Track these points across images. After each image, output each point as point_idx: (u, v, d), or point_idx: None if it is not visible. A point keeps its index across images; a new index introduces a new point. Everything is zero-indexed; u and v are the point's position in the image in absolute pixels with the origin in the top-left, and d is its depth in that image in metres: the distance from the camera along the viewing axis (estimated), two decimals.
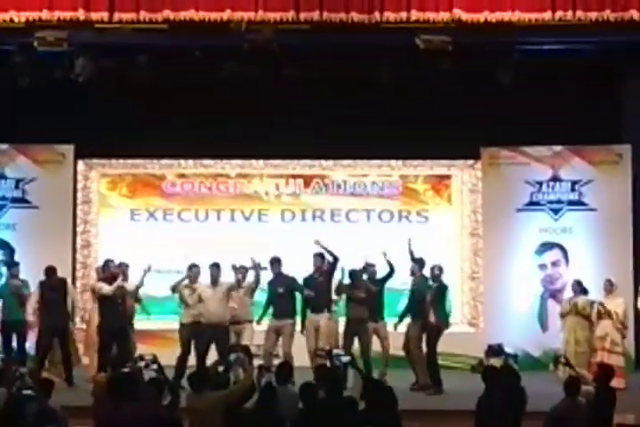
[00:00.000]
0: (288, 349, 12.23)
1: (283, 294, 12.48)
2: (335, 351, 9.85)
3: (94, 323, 12.52)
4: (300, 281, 12.57)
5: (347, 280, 12.58)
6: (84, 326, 13.16)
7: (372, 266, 12.63)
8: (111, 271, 12.42)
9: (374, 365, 12.23)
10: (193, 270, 12.46)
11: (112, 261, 12.63)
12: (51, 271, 12.66)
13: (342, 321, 12.55)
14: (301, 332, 12.45)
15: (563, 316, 12.89)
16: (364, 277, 12.57)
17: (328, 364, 9.31)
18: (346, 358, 9.52)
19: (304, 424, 7.69)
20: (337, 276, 12.72)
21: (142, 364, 8.80)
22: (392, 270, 12.47)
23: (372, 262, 12.65)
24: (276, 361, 11.23)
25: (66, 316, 12.63)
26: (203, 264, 12.51)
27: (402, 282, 12.98)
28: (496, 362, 9.14)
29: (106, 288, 12.15)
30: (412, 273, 12.49)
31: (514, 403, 8.31)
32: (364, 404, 8.01)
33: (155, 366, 8.80)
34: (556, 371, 9.37)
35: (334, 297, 12.61)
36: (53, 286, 12.59)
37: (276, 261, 12.59)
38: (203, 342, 12.05)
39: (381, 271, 12.62)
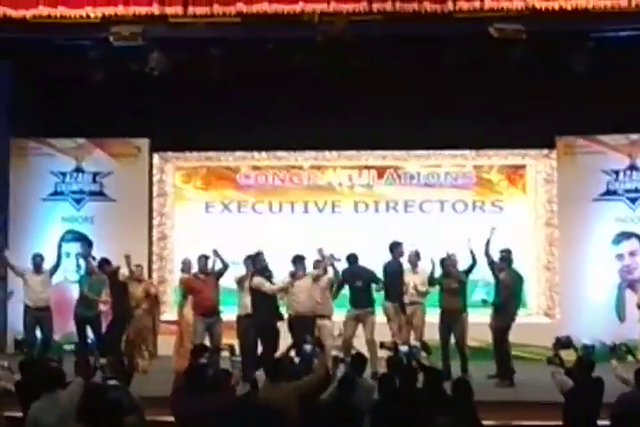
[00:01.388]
0: (371, 336, 12.21)
1: (360, 287, 12.45)
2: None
3: (188, 316, 12.65)
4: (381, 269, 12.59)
5: (437, 271, 12.55)
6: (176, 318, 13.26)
7: (453, 256, 12.57)
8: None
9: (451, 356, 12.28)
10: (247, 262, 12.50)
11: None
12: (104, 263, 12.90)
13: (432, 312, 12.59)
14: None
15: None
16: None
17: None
18: (405, 349, 9.49)
19: (383, 415, 7.68)
20: (426, 268, 12.70)
21: (223, 354, 8.86)
22: (474, 261, 12.42)
23: (452, 253, 12.58)
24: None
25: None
26: (278, 255, 12.58)
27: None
28: (565, 355, 9.04)
29: (267, 286, 12.12)
30: (501, 269, 12.40)
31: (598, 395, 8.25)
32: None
33: (235, 357, 8.87)
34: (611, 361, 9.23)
35: (424, 289, 12.60)
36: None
37: (351, 257, 12.55)
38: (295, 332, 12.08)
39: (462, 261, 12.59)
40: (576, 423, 8.16)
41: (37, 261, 13.02)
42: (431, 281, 12.55)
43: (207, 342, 11.90)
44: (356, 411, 7.60)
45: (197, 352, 9.33)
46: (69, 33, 12.62)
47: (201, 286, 12.57)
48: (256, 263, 12.30)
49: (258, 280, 12.13)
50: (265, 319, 12.05)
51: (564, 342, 9.52)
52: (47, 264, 13.08)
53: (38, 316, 12.85)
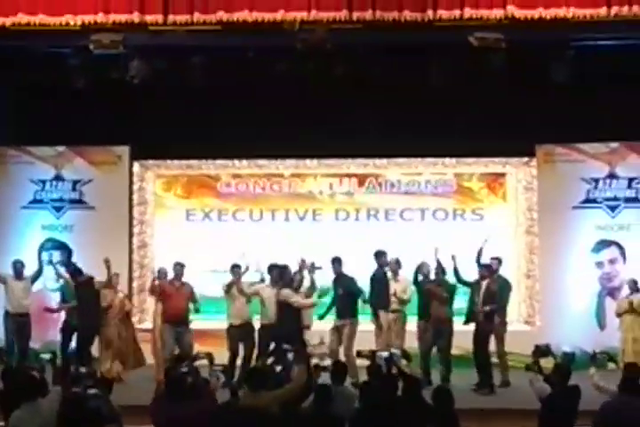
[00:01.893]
0: (348, 351, 12.12)
1: (342, 296, 12.48)
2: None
3: (158, 324, 12.61)
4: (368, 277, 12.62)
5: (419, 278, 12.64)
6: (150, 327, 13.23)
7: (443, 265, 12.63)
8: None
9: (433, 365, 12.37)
10: (235, 271, 12.54)
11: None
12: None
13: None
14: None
15: (619, 315, 12.78)
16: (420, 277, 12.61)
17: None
18: (385, 354, 9.48)
19: (363, 424, 7.66)
20: (407, 276, 12.74)
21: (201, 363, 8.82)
22: (456, 270, 12.56)
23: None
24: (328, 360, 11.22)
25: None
26: (258, 264, 12.61)
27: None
28: (545, 362, 9.07)
29: (295, 299, 12.03)
30: (482, 277, 12.44)
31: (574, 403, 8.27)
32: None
33: (217, 367, 8.84)
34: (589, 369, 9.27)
35: (405, 297, 12.62)
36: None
37: (336, 261, 12.59)
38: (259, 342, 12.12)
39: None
40: None
41: (18, 267, 13.03)
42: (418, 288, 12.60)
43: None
44: (335, 419, 7.60)
45: (176, 361, 9.30)
46: (49, 41, 12.58)
47: (174, 292, 12.54)
48: (283, 276, 12.26)
49: (286, 293, 12.07)
50: (291, 330, 11.88)
51: (543, 350, 9.53)
52: (28, 271, 13.06)
53: (19, 321, 12.82)
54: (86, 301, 12.68)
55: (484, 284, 12.36)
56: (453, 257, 12.52)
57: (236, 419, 7.57)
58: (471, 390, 12.02)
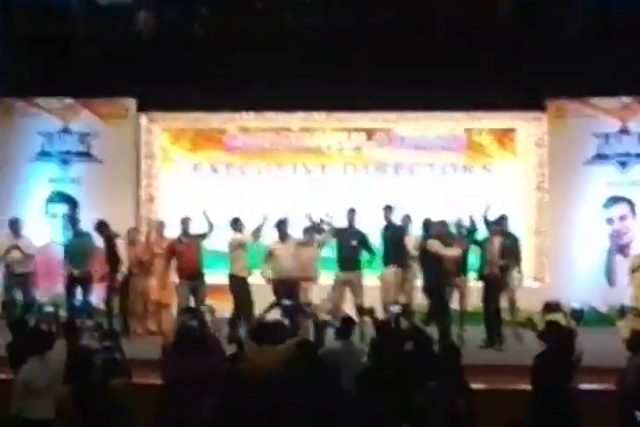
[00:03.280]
0: (360, 300, 12.16)
1: (355, 247, 12.42)
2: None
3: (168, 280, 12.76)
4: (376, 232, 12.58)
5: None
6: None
7: (461, 221, 12.52)
8: None
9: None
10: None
11: None
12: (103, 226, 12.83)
13: None
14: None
15: (633, 271, 12.70)
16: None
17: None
18: (396, 309, 9.47)
19: (372, 380, 7.64)
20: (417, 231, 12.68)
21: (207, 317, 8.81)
22: (474, 226, 12.43)
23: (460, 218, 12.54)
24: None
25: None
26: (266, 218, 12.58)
27: None
28: (555, 318, 9.04)
29: (445, 251, 11.98)
30: (494, 233, 12.40)
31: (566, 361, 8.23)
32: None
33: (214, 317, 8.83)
34: (618, 322, 9.26)
35: (416, 252, 12.51)
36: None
37: (351, 211, 12.54)
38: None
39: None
40: (541, 387, 8.13)
41: (15, 226, 12.97)
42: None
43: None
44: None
45: (182, 314, 9.30)
46: None
47: (184, 249, 12.53)
48: (434, 226, 12.26)
49: (435, 244, 11.97)
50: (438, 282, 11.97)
51: (552, 307, 9.53)
52: (29, 226, 13.10)
53: (19, 278, 12.83)
54: (111, 255, 12.72)
55: (497, 240, 12.27)
56: (487, 209, 12.42)
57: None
58: (479, 346, 12.00)
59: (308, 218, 12.38)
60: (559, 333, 8.40)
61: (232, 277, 12.49)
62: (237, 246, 12.49)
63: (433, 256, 11.89)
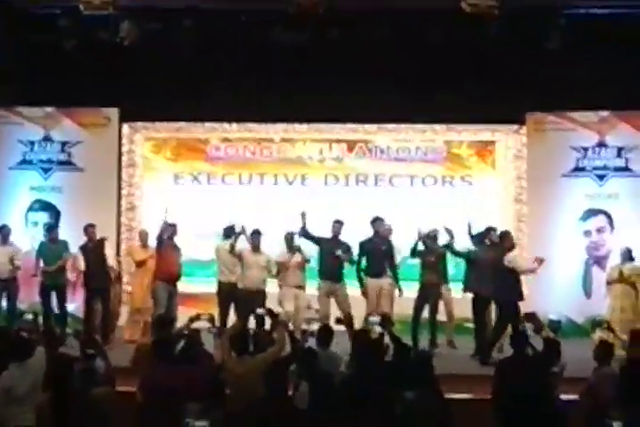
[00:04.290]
0: (349, 308, 12.18)
1: (339, 258, 12.44)
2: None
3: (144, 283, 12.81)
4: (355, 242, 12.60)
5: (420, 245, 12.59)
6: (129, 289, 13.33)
7: (434, 231, 12.66)
8: None
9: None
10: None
11: None
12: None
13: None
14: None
15: (609, 283, 12.82)
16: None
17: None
18: (374, 319, 9.54)
19: (352, 389, 7.71)
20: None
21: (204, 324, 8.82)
22: (452, 237, 12.52)
23: (434, 228, 12.67)
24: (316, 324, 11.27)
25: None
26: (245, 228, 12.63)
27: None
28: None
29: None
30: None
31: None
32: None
33: (213, 328, 8.86)
34: (592, 335, 9.38)
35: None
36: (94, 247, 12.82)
37: (337, 223, 12.60)
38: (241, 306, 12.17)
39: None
40: (498, 395, 8.22)
41: (4, 232, 13.00)
42: (412, 254, 12.56)
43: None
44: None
45: (163, 323, 9.31)
46: (40, 1, 12.49)
47: (170, 252, 12.60)
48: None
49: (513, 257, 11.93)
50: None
51: (529, 318, 9.61)
52: (15, 235, 13.17)
53: (4, 283, 12.85)
54: (94, 262, 12.76)
55: (484, 252, 12.35)
56: (469, 224, 12.51)
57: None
58: (470, 356, 12.09)
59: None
60: (522, 344, 8.53)
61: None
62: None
63: (510, 270, 11.77)
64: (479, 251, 12.33)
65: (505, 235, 12.07)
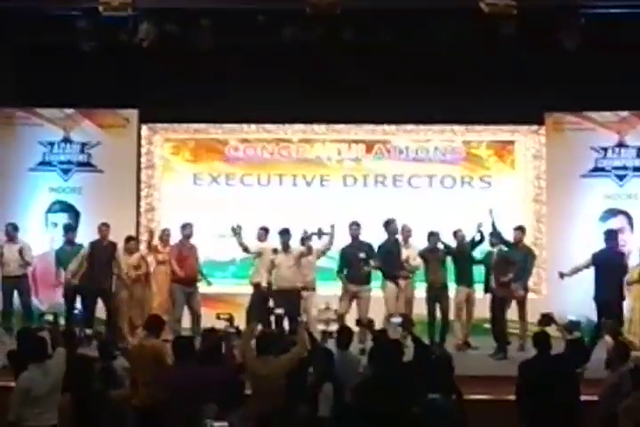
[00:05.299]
0: (366, 313, 12.19)
1: (363, 260, 12.45)
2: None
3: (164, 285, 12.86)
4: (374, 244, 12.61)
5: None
6: None
7: (460, 231, 12.75)
8: None
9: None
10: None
11: None
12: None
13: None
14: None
15: (629, 283, 12.74)
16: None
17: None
18: (397, 320, 9.54)
19: (370, 391, 7.70)
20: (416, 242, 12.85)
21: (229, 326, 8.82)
22: (482, 238, 12.63)
23: (460, 228, 12.76)
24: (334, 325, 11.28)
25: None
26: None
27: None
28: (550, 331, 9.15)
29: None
30: (492, 244, 12.63)
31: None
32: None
33: (231, 328, 8.86)
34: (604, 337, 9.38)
35: (415, 263, 12.74)
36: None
37: (355, 225, 12.60)
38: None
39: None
40: (522, 397, 8.21)
41: (10, 230, 13.10)
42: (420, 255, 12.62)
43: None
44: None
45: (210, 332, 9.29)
46: (59, 2, 12.53)
47: (187, 253, 12.63)
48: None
49: None
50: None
51: (545, 320, 9.61)
52: (29, 235, 13.32)
53: (12, 284, 12.95)
54: (96, 263, 12.74)
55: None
56: (493, 221, 12.59)
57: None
58: (488, 355, 12.15)
59: (304, 233, 12.45)
60: (545, 344, 8.52)
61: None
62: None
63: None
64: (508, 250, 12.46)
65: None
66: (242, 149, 14.99)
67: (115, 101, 14.34)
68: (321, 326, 11.24)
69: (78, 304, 12.84)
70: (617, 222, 14.16)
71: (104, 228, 12.89)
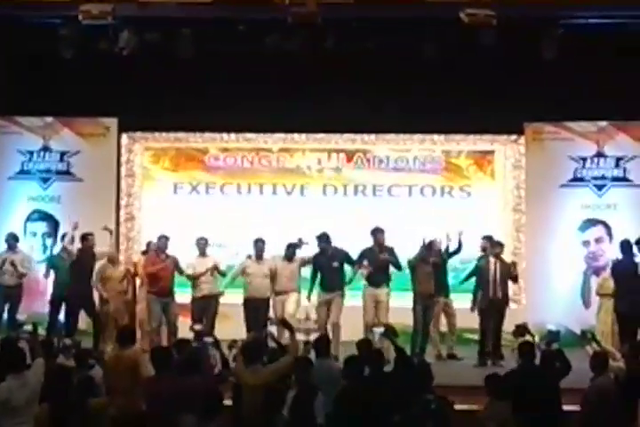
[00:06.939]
0: (337, 319, 12.30)
1: (336, 269, 12.50)
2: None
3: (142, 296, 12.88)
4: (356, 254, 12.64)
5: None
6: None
7: (435, 241, 12.72)
8: None
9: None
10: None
11: None
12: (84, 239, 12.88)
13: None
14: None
15: (600, 295, 12.77)
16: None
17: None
18: (379, 330, 9.55)
19: (347, 400, 7.69)
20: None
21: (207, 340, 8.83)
22: (460, 247, 12.68)
23: (435, 237, 12.73)
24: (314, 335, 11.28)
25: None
26: (245, 238, 12.65)
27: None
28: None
29: None
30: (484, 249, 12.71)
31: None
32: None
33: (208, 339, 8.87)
34: (585, 347, 9.40)
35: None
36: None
37: (324, 236, 12.60)
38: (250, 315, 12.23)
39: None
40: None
41: (10, 241, 13.04)
42: (408, 264, 12.63)
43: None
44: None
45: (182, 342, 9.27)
46: (39, 10, 12.50)
47: (161, 265, 12.61)
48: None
49: None
50: None
51: (520, 330, 9.65)
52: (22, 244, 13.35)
53: (5, 293, 12.85)
54: (84, 270, 12.72)
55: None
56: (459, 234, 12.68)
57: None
58: (473, 366, 12.20)
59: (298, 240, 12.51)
60: (529, 352, 8.55)
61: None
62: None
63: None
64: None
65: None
66: (222, 158, 14.98)
67: (94, 110, 14.31)
68: (301, 337, 11.23)
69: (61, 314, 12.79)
70: (596, 232, 14.22)
71: (90, 237, 12.83)
